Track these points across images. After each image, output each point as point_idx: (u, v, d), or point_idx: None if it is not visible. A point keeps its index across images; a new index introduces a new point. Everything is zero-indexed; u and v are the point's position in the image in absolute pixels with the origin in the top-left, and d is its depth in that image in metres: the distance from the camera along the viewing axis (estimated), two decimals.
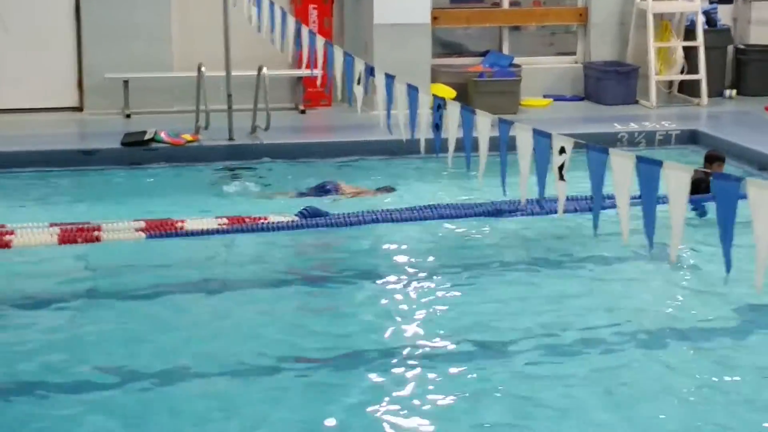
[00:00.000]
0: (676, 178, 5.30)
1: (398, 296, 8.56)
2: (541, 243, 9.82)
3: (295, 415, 6.53)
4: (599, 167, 5.78)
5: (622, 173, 5.60)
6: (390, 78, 8.04)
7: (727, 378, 7.07)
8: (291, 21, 10.08)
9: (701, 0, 15.51)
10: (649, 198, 5.45)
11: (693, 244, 9.34)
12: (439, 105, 7.43)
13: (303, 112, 14.58)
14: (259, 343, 7.60)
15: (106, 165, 12.24)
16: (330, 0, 14.92)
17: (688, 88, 15.48)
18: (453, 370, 7.14)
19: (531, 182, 6.45)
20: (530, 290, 8.63)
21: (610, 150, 5.72)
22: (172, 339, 7.66)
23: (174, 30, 14.48)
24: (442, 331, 7.79)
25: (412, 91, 7.79)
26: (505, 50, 15.67)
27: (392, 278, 8.94)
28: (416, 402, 6.69)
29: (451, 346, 7.54)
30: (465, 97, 14.23)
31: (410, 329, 7.85)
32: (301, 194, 11.11)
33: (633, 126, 13.64)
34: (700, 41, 15.20)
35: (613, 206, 5.77)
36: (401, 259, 9.53)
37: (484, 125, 6.89)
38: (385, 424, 6.44)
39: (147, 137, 12.58)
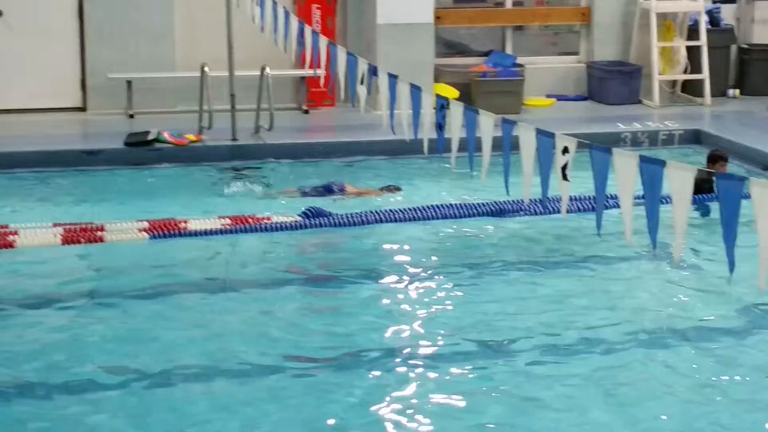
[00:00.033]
0: (679, 178, 5.30)
1: (400, 296, 8.56)
2: (543, 243, 9.82)
3: (296, 414, 6.54)
4: (603, 167, 5.78)
5: (625, 173, 5.60)
6: (393, 78, 8.03)
7: (727, 378, 7.08)
8: (294, 21, 10.08)
9: (704, 0, 15.50)
10: (652, 198, 5.45)
11: (694, 244, 9.33)
12: (442, 105, 7.43)
13: (306, 112, 14.58)
14: (261, 343, 7.61)
15: (110, 165, 12.24)
16: (333, 0, 14.92)
17: (691, 88, 15.46)
18: (454, 369, 7.15)
19: (534, 182, 6.45)
20: (532, 290, 8.64)
21: (614, 150, 5.72)
22: (175, 338, 7.67)
23: (177, 30, 14.48)
24: (443, 331, 7.80)
25: (416, 91, 7.79)
26: (509, 50, 15.66)
27: (394, 278, 8.94)
28: (417, 402, 6.69)
29: (452, 346, 7.55)
30: (468, 97, 14.23)
31: (412, 329, 7.86)
32: (305, 194, 11.11)
33: (636, 126, 13.64)
34: (703, 41, 15.19)
35: (617, 206, 5.77)
36: (403, 258, 9.53)
37: (487, 125, 6.89)
38: (385, 424, 6.44)
39: (150, 137, 12.58)
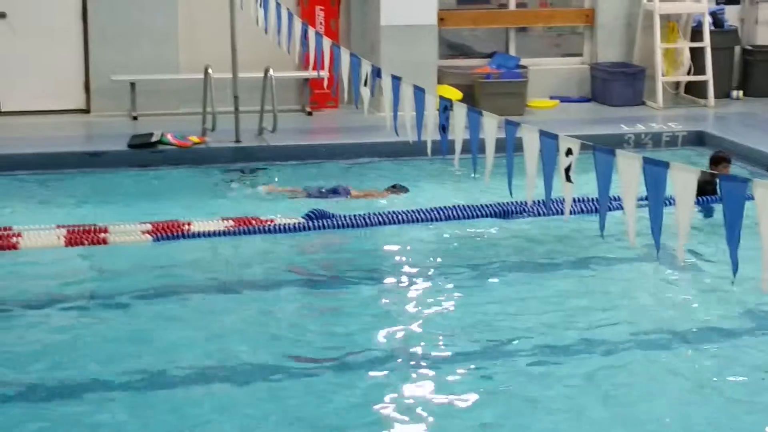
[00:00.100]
0: (682, 179, 5.30)
1: (401, 297, 8.58)
2: (544, 244, 9.83)
3: (297, 414, 6.55)
4: (606, 169, 5.78)
5: (628, 175, 5.59)
6: (397, 79, 8.03)
7: (727, 379, 7.08)
8: (297, 22, 10.08)
9: (708, 1, 15.49)
10: (655, 200, 5.44)
11: (695, 245, 9.33)
12: (445, 106, 7.43)
13: (310, 113, 14.58)
14: (262, 343, 7.64)
15: (113, 167, 12.25)
16: (337, 1, 14.91)
17: (695, 89, 15.46)
18: (454, 369, 7.18)
19: (537, 184, 6.45)
20: (532, 291, 8.66)
21: (617, 151, 5.72)
22: (176, 339, 7.69)
23: (181, 32, 14.48)
24: (443, 331, 7.82)
25: (419, 92, 7.79)
26: (512, 51, 15.65)
27: (396, 279, 8.96)
28: (417, 402, 6.71)
29: (453, 346, 7.57)
30: (471, 98, 14.23)
31: (412, 329, 7.87)
32: (311, 195, 11.12)
33: (639, 127, 13.63)
34: (706, 42, 15.18)
35: (620, 208, 5.77)
36: (405, 259, 9.55)
37: (491, 127, 6.89)
38: (385, 424, 6.46)
39: (154, 139, 12.59)
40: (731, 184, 5.09)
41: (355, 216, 10.19)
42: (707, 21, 15.27)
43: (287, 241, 9.88)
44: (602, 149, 5.80)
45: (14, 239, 9.60)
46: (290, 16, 10.31)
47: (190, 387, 6.93)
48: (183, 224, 9.93)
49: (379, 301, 8.53)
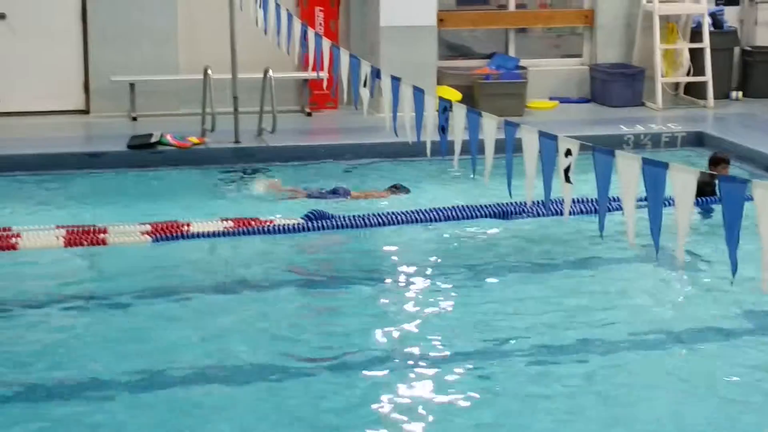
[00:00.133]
0: (682, 180, 5.30)
1: (401, 297, 8.59)
2: (543, 244, 9.84)
3: (296, 414, 6.55)
4: (605, 169, 5.78)
5: (628, 176, 5.60)
6: (396, 80, 8.03)
7: (726, 379, 7.09)
8: (297, 23, 10.08)
9: (707, 2, 15.49)
10: (655, 200, 5.45)
11: (694, 246, 9.33)
12: (445, 107, 7.43)
13: (309, 114, 14.58)
14: (261, 343, 7.66)
15: (113, 168, 12.25)
16: (336, 2, 14.91)
17: (695, 90, 15.45)
18: (453, 369, 7.19)
19: (537, 184, 6.46)
20: (532, 291, 8.66)
21: (617, 152, 5.72)
22: (176, 339, 7.70)
23: (180, 33, 14.48)
24: (443, 332, 7.83)
25: (418, 93, 7.80)
26: (511, 52, 15.65)
27: (395, 279, 8.98)
28: (417, 402, 6.72)
29: (452, 347, 7.58)
30: (471, 99, 14.23)
31: (412, 329, 7.88)
32: (311, 196, 11.13)
33: (639, 128, 13.64)
34: (706, 43, 15.18)
35: (619, 209, 5.77)
36: (404, 260, 9.55)
37: (490, 127, 6.89)
38: (385, 424, 6.46)
39: (153, 140, 12.59)
40: (730, 184, 5.10)
41: (354, 216, 10.19)
42: (707, 22, 15.27)
43: (286, 241, 9.88)
44: (602, 150, 5.80)
45: (13, 240, 9.60)
46: (290, 16, 10.32)
47: (190, 387, 6.93)
48: (182, 225, 9.93)
49: (378, 301, 8.54)
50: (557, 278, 9.00)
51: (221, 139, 12.78)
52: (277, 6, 10.57)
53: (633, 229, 5.65)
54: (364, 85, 8.57)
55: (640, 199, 5.55)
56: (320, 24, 14.66)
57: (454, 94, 14.03)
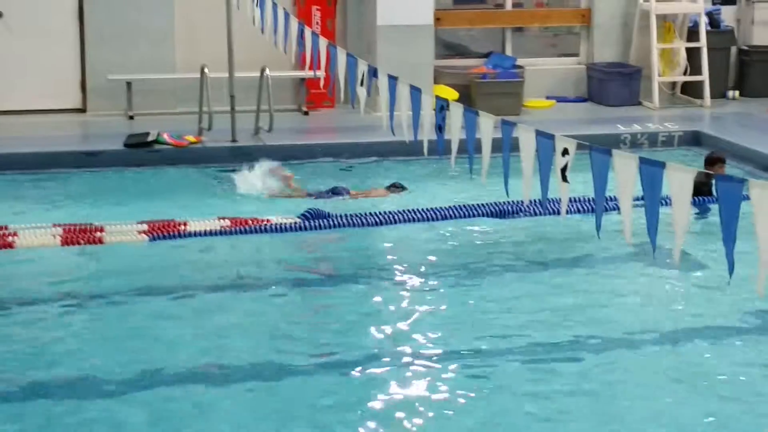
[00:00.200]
0: (679, 179, 5.30)
1: (398, 296, 8.60)
2: (541, 243, 9.85)
3: (295, 414, 6.55)
4: (602, 169, 5.78)
5: (625, 175, 5.60)
6: (393, 79, 8.03)
7: (724, 378, 7.10)
8: (294, 22, 10.07)
9: (704, 1, 15.49)
10: (652, 200, 5.45)
11: (690, 246, 9.34)
12: (442, 106, 7.43)
13: (306, 113, 14.58)
14: (260, 343, 7.65)
15: (109, 166, 12.25)
16: (333, 1, 14.92)
17: (691, 90, 15.47)
18: (449, 368, 7.21)
19: (534, 184, 6.46)
20: (527, 289, 8.68)
21: (614, 151, 5.72)
22: (173, 338, 7.70)
23: (177, 31, 14.47)
24: (439, 331, 7.85)
25: (415, 92, 7.79)
26: (508, 51, 15.66)
27: (393, 278, 8.98)
28: (414, 401, 6.73)
29: (448, 345, 7.59)
30: (468, 98, 14.24)
31: (410, 328, 7.88)
32: (310, 195, 11.13)
33: (636, 127, 13.64)
34: (703, 42, 15.19)
35: (616, 208, 5.77)
36: (402, 259, 9.55)
37: (487, 126, 6.88)
38: (384, 424, 6.46)
39: (150, 139, 12.58)
40: (728, 184, 5.10)
41: (351, 215, 10.19)
42: (703, 21, 15.29)
43: (284, 240, 9.88)
44: (599, 149, 5.80)
45: (10, 238, 9.59)
46: (287, 15, 10.31)
47: (187, 384, 6.93)
48: (179, 224, 9.93)
49: (375, 299, 8.54)
50: (553, 277, 9.00)
51: (218, 138, 12.78)
52: (274, 5, 10.56)
53: (630, 228, 5.65)
54: (361, 84, 8.57)
55: (637, 199, 5.55)
56: (317, 23, 14.66)
57: (451, 93, 14.04)
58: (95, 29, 14.23)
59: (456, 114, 7.21)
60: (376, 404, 6.70)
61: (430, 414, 6.58)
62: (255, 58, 13.29)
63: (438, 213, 10.38)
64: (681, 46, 15.45)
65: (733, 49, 15.97)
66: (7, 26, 14.16)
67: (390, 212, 10.30)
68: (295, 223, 10.06)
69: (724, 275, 5.15)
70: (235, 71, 12.92)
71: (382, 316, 8.19)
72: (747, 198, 4.99)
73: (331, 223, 10.09)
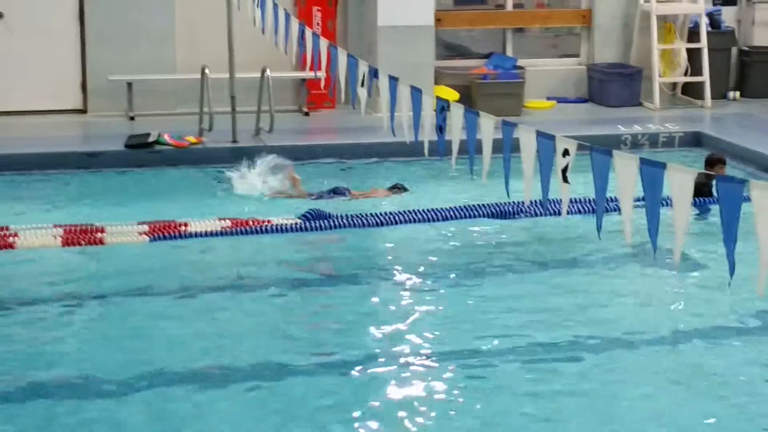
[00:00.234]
0: (679, 180, 5.30)
1: (398, 296, 8.61)
2: (541, 244, 9.86)
3: (294, 413, 6.56)
4: (603, 169, 5.78)
5: (625, 175, 5.60)
6: (394, 80, 8.03)
7: (723, 379, 7.10)
8: (295, 23, 10.08)
9: (705, 2, 15.50)
10: (652, 200, 5.45)
11: (691, 246, 9.34)
12: (442, 107, 7.43)
13: (306, 114, 14.58)
14: (259, 342, 7.67)
15: (110, 167, 12.25)
16: (334, 2, 14.92)
17: (692, 90, 15.47)
18: (447, 368, 7.22)
19: (534, 184, 6.46)
20: (527, 290, 8.69)
21: (614, 152, 5.72)
22: (172, 337, 7.71)
23: (178, 32, 14.48)
24: (437, 331, 7.87)
25: (416, 93, 7.79)
26: (509, 52, 15.66)
27: (392, 277, 8.99)
28: (412, 399, 6.75)
29: (447, 345, 7.61)
30: (468, 99, 14.24)
31: (409, 329, 7.90)
32: (310, 195, 11.14)
33: (636, 128, 13.64)
34: (703, 43, 15.20)
35: (616, 209, 5.77)
36: (402, 259, 9.55)
37: (488, 127, 6.89)
38: (381, 421, 6.47)
39: (150, 139, 12.58)
40: (728, 184, 5.10)
41: (352, 216, 10.20)
42: (704, 22, 15.29)
43: (284, 240, 9.88)
44: (599, 150, 5.80)
45: (11, 239, 9.59)
46: (287, 16, 10.31)
47: (187, 384, 6.94)
48: (180, 224, 9.93)
49: (377, 300, 8.55)
50: (553, 277, 9.01)
51: (219, 139, 12.78)
52: (275, 5, 10.57)
53: (630, 229, 5.66)
54: (362, 84, 8.57)
55: (638, 199, 5.55)
56: (318, 23, 14.67)
57: (451, 94, 14.04)
58: (96, 30, 14.23)
59: (457, 115, 7.22)
60: (376, 404, 6.71)
61: (430, 414, 6.59)
62: (256, 59, 13.29)
63: (438, 214, 10.38)
64: (682, 46, 15.45)
65: (734, 50, 15.97)
66: (8, 27, 14.16)
67: (390, 213, 10.30)
68: (296, 223, 10.06)
69: (724, 276, 5.16)
70: (236, 72, 12.92)
71: (383, 316, 8.20)
72: (747, 199, 5.00)
73: (332, 223, 10.09)
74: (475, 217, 10.35)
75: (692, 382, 7.05)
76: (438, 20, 14.98)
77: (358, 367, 7.21)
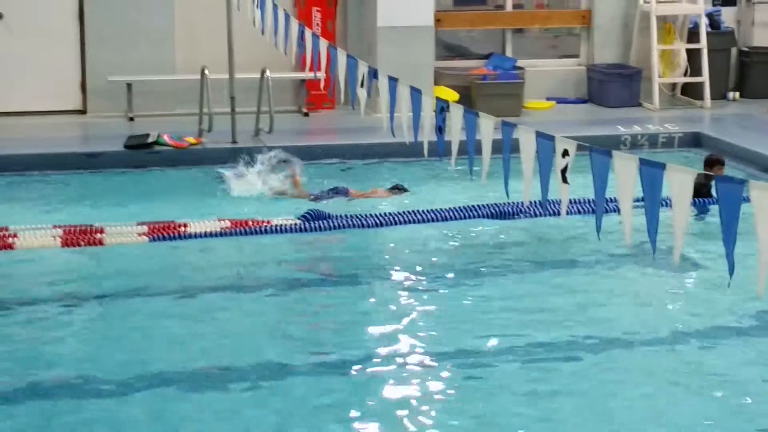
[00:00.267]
0: (679, 180, 5.30)
1: (396, 295, 8.62)
2: (540, 244, 9.87)
3: (294, 413, 6.56)
4: (602, 170, 5.78)
5: (625, 176, 5.60)
6: (393, 81, 8.03)
7: (723, 379, 7.11)
8: (294, 24, 10.08)
9: (704, 2, 15.50)
10: (652, 201, 5.45)
11: (690, 247, 9.34)
12: (442, 108, 7.43)
13: (306, 114, 14.58)
14: (259, 342, 7.66)
15: (110, 168, 12.26)
16: (333, 2, 14.92)
17: (691, 91, 15.47)
18: (446, 367, 7.23)
19: (534, 185, 6.47)
20: (526, 290, 8.70)
21: (614, 153, 5.73)
22: (172, 337, 7.71)
23: (177, 33, 14.48)
24: (436, 330, 7.88)
25: (416, 93, 7.80)
26: (509, 53, 15.67)
27: (392, 277, 9.00)
28: (410, 399, 6.75)
29: (445, 345, 7.61)
30: (468, 99, 14.24)
31: (409, 329, 7.90)
32: (311, 195, 11.14)
33: (636, 128, 13.65)
34: (703, 43, 15.20)
35: (616, 210, 5.78)
36: (400, 259, 9.57)
37: (487, 128, 6.89)
38: (380, 421, 6.47)
39: (150, 140, 12.59)
40: (728, 185, 5.10)
41: (351, 216, 10.20)
42: (704, 22, 15.29)
43: (283, 240, 9.89)
44: (599, 150, 5.80)
45: (10, 239, 9.59)
46: (287, 17, 10.32)
47: (186, 384, 6.95)
48: (179, 225, 9.93)
49: (376, 300, 8.56)
50: (553, 277, 9.02)
51: (218, 140, 12.78)
52: (275, 6, 10.57)
53: (630, 229, 5.66)
54: (362, 85, 8.57)
55: (637, 200, 5.56)
56: (317, 24, 14.67)
57: (451, 95, 14.04)
58: (95, 30, 14.24)
59: (456, 115, 7.22)
60: (376, 404, 6.72)
61: (429, 413, 6.59)
62: (255, 60, 13.29)
63: (438, 214, 10.38)
64: (681, 47, 15.46)
65: (734, 51, 15.97)
66: (8, 27, 14.16)
67: (390, 213, 10.31)
68: (296, 224, 10.07)
69: (724, 276, 5.16)
70: (236, 72, 12.93)
71: (382, 317, 8.21)
72: (747, 200, 5.00)
73: (332, 224, 10.09)
74: (474, 217, 10.36)
75: (691, 382, 7.06)
76: (437, 21, 14.99)
77: (358, 367, 7.22)
